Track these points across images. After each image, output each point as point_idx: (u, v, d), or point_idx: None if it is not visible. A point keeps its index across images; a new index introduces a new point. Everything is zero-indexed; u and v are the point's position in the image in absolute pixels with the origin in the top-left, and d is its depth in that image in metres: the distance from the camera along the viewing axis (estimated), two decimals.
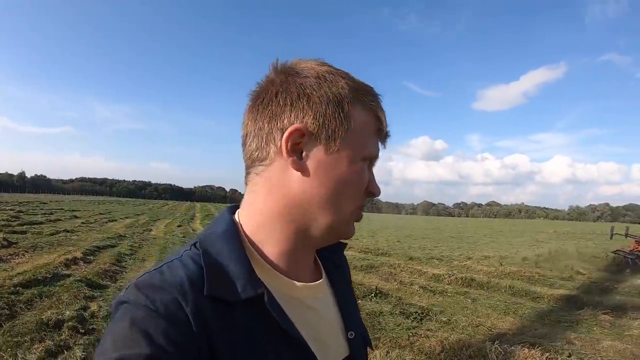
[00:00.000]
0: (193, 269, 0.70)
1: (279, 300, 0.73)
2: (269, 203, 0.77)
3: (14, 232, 14.17)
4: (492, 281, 9.70)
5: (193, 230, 22.00)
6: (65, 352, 4.53)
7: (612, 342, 5.67)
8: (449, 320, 6.56)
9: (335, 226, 0.77)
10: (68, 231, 15.88)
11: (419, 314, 6.75)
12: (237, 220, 0.81)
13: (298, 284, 0.80)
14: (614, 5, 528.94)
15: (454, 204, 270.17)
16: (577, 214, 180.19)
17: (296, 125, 0.73)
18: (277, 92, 0.76)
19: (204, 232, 0.79)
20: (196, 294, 0.66)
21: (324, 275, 0.89)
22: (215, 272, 0.70)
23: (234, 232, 0.77)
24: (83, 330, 5.20)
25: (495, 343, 4.95)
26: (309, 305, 0.80)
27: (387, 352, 5.07)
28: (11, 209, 27.54)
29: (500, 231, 34.12)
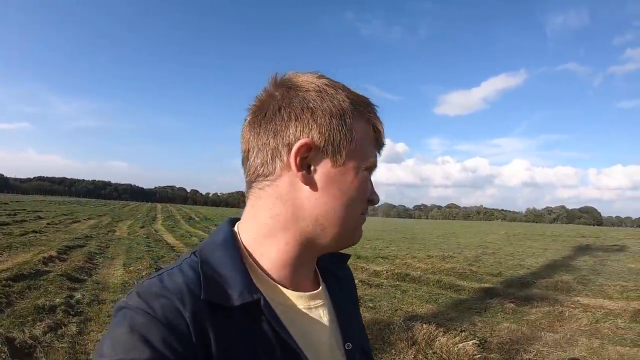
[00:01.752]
0: (191, 276, 0.72)
1: (274, 308, 0.74)
2: (275, 216, 0.78)
3: None
4: (423, 276, 10.82)
5: (155, 231, 22.68)
6: (63, 328, 5.54)
7: (509, 324, 6.77)
8: (375, 306, 7.62)
9: (343, 234, 0.79)
10: (36, 232, 16.42)
11: None
12: (237, 231, 0.83)
13: (295, 293, 0.81)
14: (574, 16, 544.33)
15: (414, 206, 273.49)
16: (534, 216, 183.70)
17: (304, 139, 0.75)
18: (279, 106, 0.78)
19: (204, 242, 0.81)
20: (194, 300, 0.68)
21: (322, 285, 0.90)
22: (213, 279, 0.72)
23: (233, 241, 0.79)
24: (73, 313, 6.23)
25: (401, 320, 6.04)
26: (305, 315, 0.81)
27: None
28: None
29: (454, 232, 35.42)
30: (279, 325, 0.73)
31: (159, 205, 78.95)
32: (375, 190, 0.85)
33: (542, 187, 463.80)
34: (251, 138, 0.80)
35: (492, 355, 5.07)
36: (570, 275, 11.32)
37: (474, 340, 5.34)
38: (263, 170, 0.78)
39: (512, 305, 8.02)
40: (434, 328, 5.62)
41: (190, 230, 26.39)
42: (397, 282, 10.33)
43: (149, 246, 15.11)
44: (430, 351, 5.08)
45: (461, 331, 5.75)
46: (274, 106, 0.78)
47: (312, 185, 0.76)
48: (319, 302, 0.85)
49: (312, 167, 0.77)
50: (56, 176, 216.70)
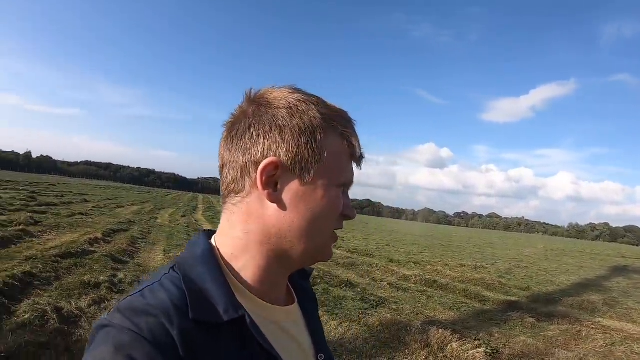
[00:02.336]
0: (175, 293, 0.71)
1: (257, 323, 0.75)
2: (247, 232, 0.78)
3: (35, 212, 15.68)
4: (451, 284, 11.10)
5: (196, 221, 23.49)
6: (106, 302, 6.14)
7: (525, 338, 7.01)
8: (398, 308, 7.97)
9: (312, 252, 0.80)
10: (82, 214, 17.54)
11: (376, 302, 8.17)
12: (214, 244, 0.82)
13: (275, 307, 0.82)
14: (629, 25, 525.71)
15: (454, 213, 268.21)
16: (576, 232, 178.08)
17: (270, 158, 0.75)
18: (250, 124, 0.78)
19: (181, 256, 0.81)
20: (181, 317, 0.67)
21: (296, 299, 0.92)
22: (198, 296, 0.72)
23: (212, 256, 0.79)
24: (116, 290, 6.86)
25: (419, 323, 6.40)
26: (284, 328, 0.83)
27: (341, 323, 6.58)
28: (24, 189, 29.30)
29: (491, 243, 35.19)
30: (264, 340, 0.74)
31: (200, 196, 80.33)
32: (350, 205, 0.84)
33: (587, 202, 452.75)
34: (225, 154, 0.81)
35: None
36: (598, 295, 11.39)
37: (485, 349, 5.64)
38: (234, 187, 0.80)
39: (532, 320, 8.21)
40: (449, 333, 5.94)
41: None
42: (424, 288, 10.61)
43: (188, 235, 15.66)
44: (442, 355, 5.42)
45: (475, 339, 6.03)
46: (245, 123, 0.79)
47: (279, 203, 0.77)
48: (295, 315, 0.89)
49: (278, 185, 0.77)
50: (102, 161, 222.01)
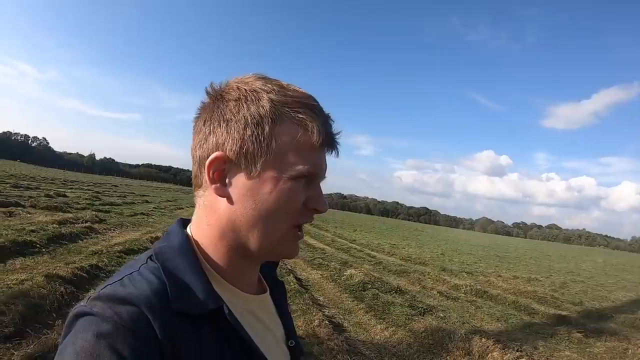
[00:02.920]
0: (156, 283, 0.71)
1: (235, 313, 0.76)
2: (209, 225, 0.80)
3: (100, 211, 16.70)
4: (501, 295, 11.12)
5: None
6: None
7: (570, 353, 7.07)
8: (445, 316, 8.19)
9: (270, 246, 0.79)
10: (144, 214, 18.56)
11: (423, 309, 8.39)
12: (190, 234, 0.83)
13: (250, 296, 0.85)
14: None
15: (513, 223, 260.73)
16: None
17: (215, 153, 0.76)
18: (205, 119, 0.80)
19: (158, 246, 0.80)
20: (162, 308, 0.68)
21: (267, 289, 0.94)
22: (178, 286, 0.72)
23: (189, 247, 0.79)
24: None
25: (462, 332, 6.61)
26: (259, 317, 0.85)
27: (387, 327, 6.92)
28: (89, 189, 31.16)
29: (548, 255, 34.44)
30: (242, 330, 0.75)
31: None
32: (323, 198, 0.82)
33: None
34: (191, 148, 0.82)
35: None
36: None
37: None
38: (196, 181, 0.82)
39: (579, 335, 8.21)
40: (492, 343, 6.11)
41: None
42: (474, 298, 10.70)
43: None
44: None
45: (518, 351, 6.17)
46: (201, 119, 0.81)
47: (228, 197, 0.77)
48: (269, 304, 0.92)
49: (227, 180, 0.78)
50: (162, 164, 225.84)
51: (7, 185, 23.37)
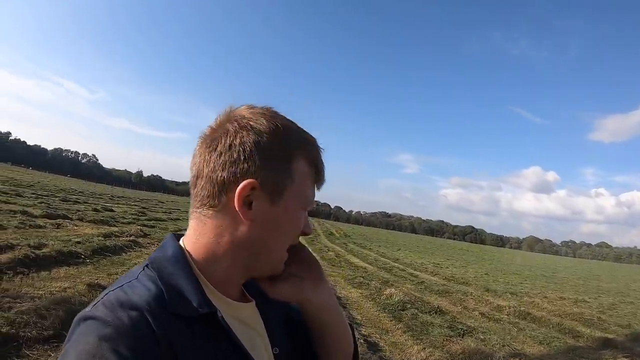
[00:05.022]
0: (153, 289, 0.75)
1: (226, 319, 0.80)
2: (218, 242, 0.83)
3: (145, 226, 17.20)
4: (545, 317, 10.66)
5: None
6: None
7: None
8: (485, 338, 7.84)
9: (274, 264, 0.87)
10: None
11: (463, 330, 8.11)
12: (183, 246, 0.86)
13: (238, 304, 0.88)
14: None
15: (561, 242, 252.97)
16: None
17: (249, 180, 0.80)
18: (231, 143, 0.82)
19: (154, 256, 0.85)
20: (160, 312, 0.72)
21: (253, 300, 0.96)
22: (173, 291, 0.77)
23: (183, 257, 0.83)
24: None
25: (500, 353, 6.35)
26: (246, 323, 0.89)
27: (424, 348, 6.70)
28: (136, 205, 32.09)
29: (598, 275, 33.16)
30: (233, 335, 0.80)
31: None
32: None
33: None
34: (202, 167, 0.83)
35: None
36: None
37: None
38: (209, 201, 0.82)
39: None
40: None
41: (328, 245, 27.74)
42: (517, 320, 10.33)
43: None
44: None
45: None
46: (226, 142, 0.82)
47: (252, 220, 0.81)
48: (254, 311, 0.94)
49: (253, 204, 0.81)
50: None
51: (57, 198, 24.37)
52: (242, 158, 0.81)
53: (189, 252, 0.85)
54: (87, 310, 0.70)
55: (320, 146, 0.91)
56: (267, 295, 0.99)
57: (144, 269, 0.82)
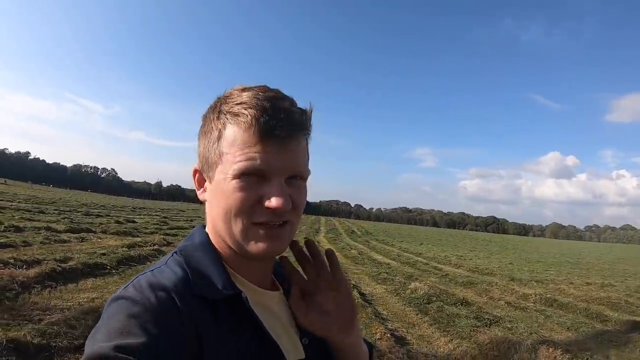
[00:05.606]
0: (180, 273, 0.79)
1: (250, 303, 0.80)
2: (208, 225, 0.89)
3: (167, 235, 17.44)
4: (572, 303, 10.55)
5: (318, 242, 24.20)
6: None
7: None
8: (512, 327, 7.79)
9: (235, 244, 0.81)
10: None
11: (489, 320, 8.07)
12: (208, 233, 0.89)
13: (262, 290, 0.88)
14: None
15: (585, 227, 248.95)
16: None
17: (194, 165, 0.89)
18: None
19: (182, 244, 0.89)
20: (186, 293, 0.75)
21: (280, 288, 0.97)
22: (199, 275, 0.80)
23: (208, 242, 0.86)
24: None
25: (529, 342, 6.32)
26: (270, 310, 0.87)
27: (451, 339, 6.72)
28: (157, 215, 32.39)
29: (624, 258, 32.69)
30: (255, 316, 0.80)
31: (322, 218, 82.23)
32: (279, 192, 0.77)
33: None
34: None
35: None
36: None
37: None
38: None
39: None
40: (560, 353, 5.82)
41: (351, 243, 27.70)
42: (543, 307, 10.24)
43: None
44: None
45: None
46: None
47: (206, 202, 0.87)
48: (280, 299, 0.93)
49: (204, 186, 0.87)
50: None
51: (79, 213, 24.86)
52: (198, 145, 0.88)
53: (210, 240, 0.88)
54: (119, 292, 0.74)
55: (254, 95, 0.78)
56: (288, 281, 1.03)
57: (172, 255, 0.86)
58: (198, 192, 0.89)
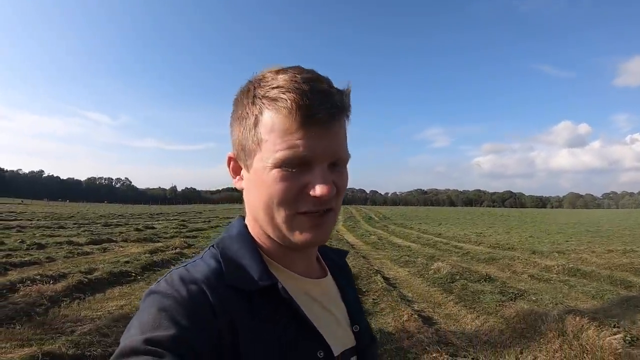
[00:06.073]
0: (214, 265, 0.78)
1: (290, 292, 0.78)
2: (247, 215, 0.87)
3: (187, 237, 17.80)
4: (595, 271, 10.50)
5: (337, 231, 24.21)
6: None
7: None
8: (537, 299, 7.80)
9: (279, 234, 0.79)
10: None
11: (514, 294, 8.06)
12: (247, 224, 0.87)
13: (305, 278, 0.86)
14: None
15: (603, 194, 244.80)
16: None
17: (228, 153, 0.85)
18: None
19: (220, 237, 0.88)
20: (219, 285, 0.74)
21: (329, 274, 0.95)
22: (233, 266, 0.79)
23: (246, 233, 0.85)
24: None
25: (555, 312, 6.34)
26: (316, 299, 0.85)
27: (477, 316, 6.77)
28: (175, 219, 32.60)
29: None
30: (296, 306, 0.77)
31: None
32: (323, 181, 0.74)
33: None
34: None
35: (635, 352, 5.14)
36: None
37: (623, 335, 5.47)
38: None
39: None
40: (586, 321, 5.81)
41: (370, 229, 27.62)
42: (567, 277, 10.19)
43: (330, 245, 16.22)
44: (577, 342, 5.34)
45: (614, 327, 5.85)
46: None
47: (243, 191, 0.84)
48: (327, 288, 0.91)
49: (241, 174, 0.84)
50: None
51: (99, 224, 25.15)
52: (229, 131, 0.85)
53: (249, 229, 0.87)
54: (152, 286, 0.75)
55: (293, 79, 0.74)
56: (343, 268, 1.04)
57: (209, 249, 0.85)
58: (234, 181, 0.86)
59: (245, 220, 0.89)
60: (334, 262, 1.02)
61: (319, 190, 0.73)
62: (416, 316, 6.40)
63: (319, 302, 0.86)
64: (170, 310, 0.68)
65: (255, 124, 0.76)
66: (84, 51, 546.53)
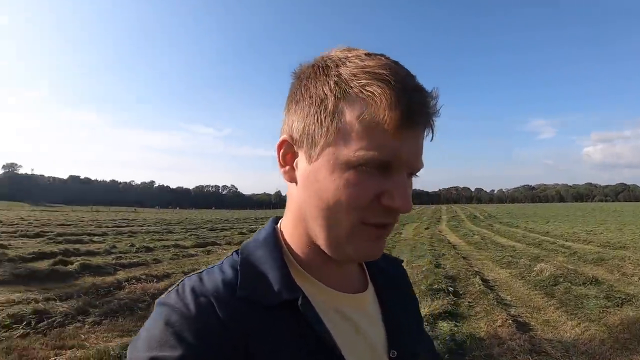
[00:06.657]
0: (230, 274, 0.69)
1: (315, 307, 0.68)
2: (289, 213, 0.74)
3: None
4: None
5: (439, 231, 24.02)
6: None
7: None
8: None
9: (334, 243, 0.67)
10: None
11: (621, 299, 7.54)
12: (279, 228, 0.77)
13: (337, 293, 0.73)
14: None
15: None
16: None
17: (283, 136, 0.70)
18: (287, 98, 0.72)
19: (247, 241, 0.77)
20: (231, 297, 0.66)
21: (370, 287, 0.81)
22: (251, 276, 0.69)
23: (274, 238, 0.75)
24: None
25: None
26: (347, 316, 0.73)
27: (579, 323, 6.41)
28: None
29: None
30: (318, 323, 0.67)
31: (443, 207, 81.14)
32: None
33: None
34: None
35: None
36: None
37: None
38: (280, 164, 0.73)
39: None
40: None
41: (473, 228, 26.99)
42: None
43: (431, 245, 16.30)
44: None
45: None
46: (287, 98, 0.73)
47: (296, 182, 0.71)
48: (364, 304, 0.78)
49: (295, 163, 0.70)
50: None
51: (205, 229, 26.61)
52: (286, 112, 0.72)
53: (281, 232, 0.77)
54: (163, 296, 0.69)
55: (394, 73, 0.62)
56: (394, 278, 0.90)
57: (232, 254, 0.76)
58: (282, 170, 0.72)
59: (281, 221, 0.79)
60: (385, 272, 0.88)
61: (399, 201, 0.64)
62: (511, 321, 6.22)
63: (352, 320, 0.73)
64: (176, 326, 0.62)
65: (335, 110, 0.63)
66: (187, 71, 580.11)
